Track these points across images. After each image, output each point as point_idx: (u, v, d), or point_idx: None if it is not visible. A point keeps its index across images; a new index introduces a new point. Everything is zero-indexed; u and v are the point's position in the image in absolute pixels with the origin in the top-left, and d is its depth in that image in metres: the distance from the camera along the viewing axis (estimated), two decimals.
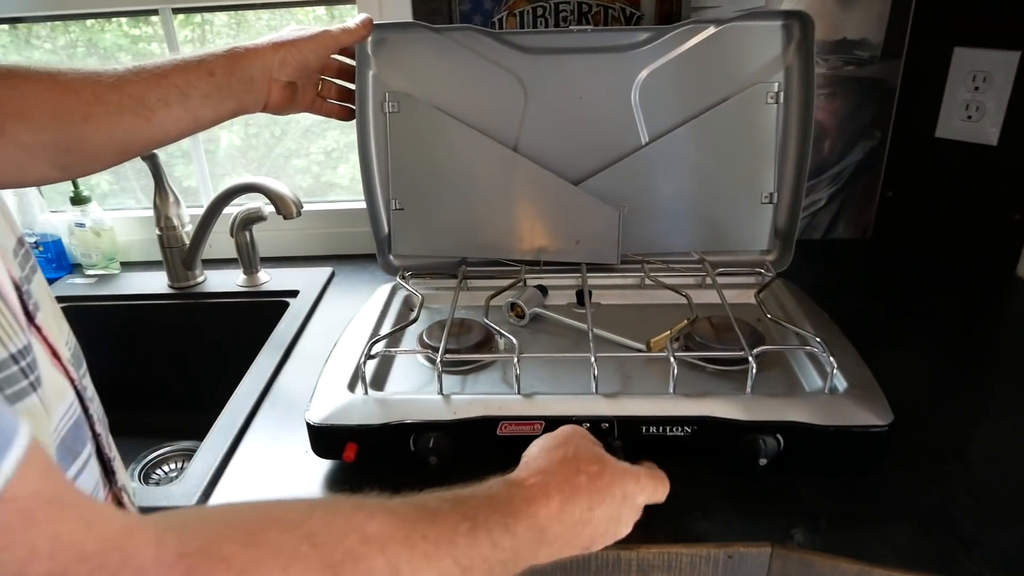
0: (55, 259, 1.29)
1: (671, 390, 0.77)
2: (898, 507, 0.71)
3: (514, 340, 0.82)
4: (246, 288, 1.23)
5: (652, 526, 0.64)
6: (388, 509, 0.45)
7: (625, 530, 0.60)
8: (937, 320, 1.05)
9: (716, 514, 0.71)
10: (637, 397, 0.77)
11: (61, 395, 0.46)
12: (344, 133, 1.37)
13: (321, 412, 0.76)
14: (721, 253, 1.04)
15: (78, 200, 1.25)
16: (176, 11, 1.25)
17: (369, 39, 0.94)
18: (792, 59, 0.96)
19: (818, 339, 0.81)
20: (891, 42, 1.17)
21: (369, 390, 0.79)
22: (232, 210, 1.18)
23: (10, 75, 0.67)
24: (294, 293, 1.20)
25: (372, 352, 0.83)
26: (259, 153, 1.41)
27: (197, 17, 1.32)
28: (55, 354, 0.47)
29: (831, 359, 0.78)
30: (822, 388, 0.78)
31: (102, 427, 0.53)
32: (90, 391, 0.53)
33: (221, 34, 1.35)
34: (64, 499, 0.33)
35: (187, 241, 1.20)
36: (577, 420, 0.74)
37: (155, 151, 1.14)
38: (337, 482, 0.78)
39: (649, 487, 0.61)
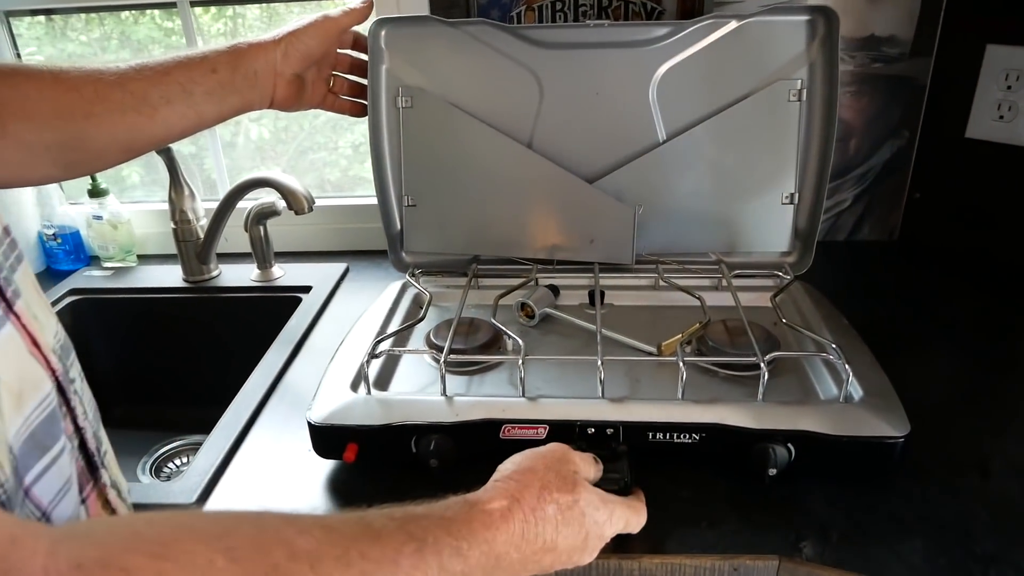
0: (73, 251, 1.30)
1: (679, 395, 0.75)
2: (913, 521, 0.69)
3: (520, 341, 0.80)
4: (259, 283, 1.22)
5: (656, 535, 0.62)
6: (325, 526, 0.43)
7: (589, 559, 0.57)
8: (963, 327, 1.01)
9: (723, 524, 0.69)
10: (644, 402, 0.75)
11: (36, 385, 0.46)
12: None
13: (322, 411, 0.75)
14: (739, 254, 1.01)
15: (96, 193, 1.25)
16: (194, 4, 1.26)
17: (383, 33, 0.93)
18: (816, 55, 0.93)
19: (834, 345, 0.79)
20: (921, 39, 1.13)
21: (372, 390, 0.78)
22: (246, 204, 1.18)
23: (12, 74, 0.66)
24: (307, 288, 1.19)
25: (376, 351, 0.82)
26: (287, 147, 1.41)
27: (229, 10, 1.32)
28: (35, 342, 0.47)
29: (847, 366, 0.75)
30: (837, 396, 0.76)
31: (89, 421, 0.52)
32: (78, 384, 0.52)
33: (253, 28, 1.36)
34: None
35: (202, 235, 1.20)
36: (581, 425, 0.72)
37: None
38: (339, 482, 0.77)
39: (622, 520, 0.59)
